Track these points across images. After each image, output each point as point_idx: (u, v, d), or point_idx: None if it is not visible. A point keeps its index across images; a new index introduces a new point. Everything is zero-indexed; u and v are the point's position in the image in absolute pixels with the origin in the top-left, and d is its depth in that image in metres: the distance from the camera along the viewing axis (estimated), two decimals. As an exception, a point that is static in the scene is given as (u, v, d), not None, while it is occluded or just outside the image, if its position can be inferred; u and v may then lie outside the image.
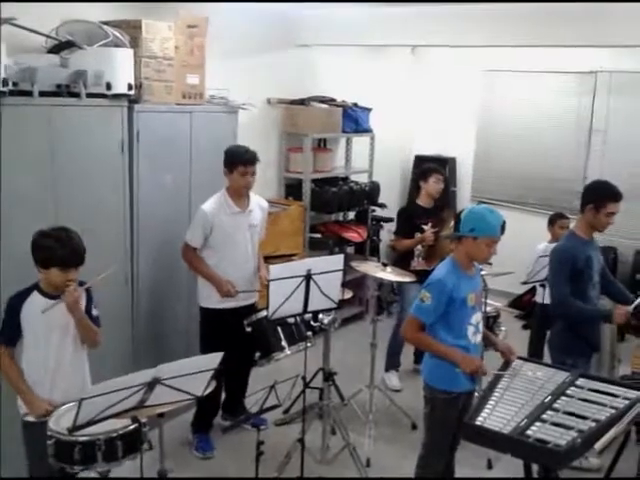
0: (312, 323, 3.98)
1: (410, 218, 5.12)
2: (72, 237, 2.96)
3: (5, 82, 3.30)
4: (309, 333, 3.91)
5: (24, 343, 3.01)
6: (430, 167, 5.33)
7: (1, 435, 3.48)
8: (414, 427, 4.62)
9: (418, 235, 5.01)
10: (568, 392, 2.94)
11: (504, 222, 3.11)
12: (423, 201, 5.18)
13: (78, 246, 2.96)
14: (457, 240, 3.18)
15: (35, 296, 2.99)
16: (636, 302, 3.71)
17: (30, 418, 2.99)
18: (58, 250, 2.90)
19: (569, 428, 2.65)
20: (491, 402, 2.90)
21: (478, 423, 2.76)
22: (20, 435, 3.09)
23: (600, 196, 3.74)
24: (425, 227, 5.02)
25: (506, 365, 3.23)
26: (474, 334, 3.20)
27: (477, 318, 3.23)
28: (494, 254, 3.14)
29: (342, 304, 3.99)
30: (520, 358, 3.31)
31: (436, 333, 3.16)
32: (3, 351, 3.00)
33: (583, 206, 3.81)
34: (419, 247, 5.06)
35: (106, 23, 3.94)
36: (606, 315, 3.74)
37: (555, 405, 2.84)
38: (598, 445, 2.49)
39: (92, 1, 4.09)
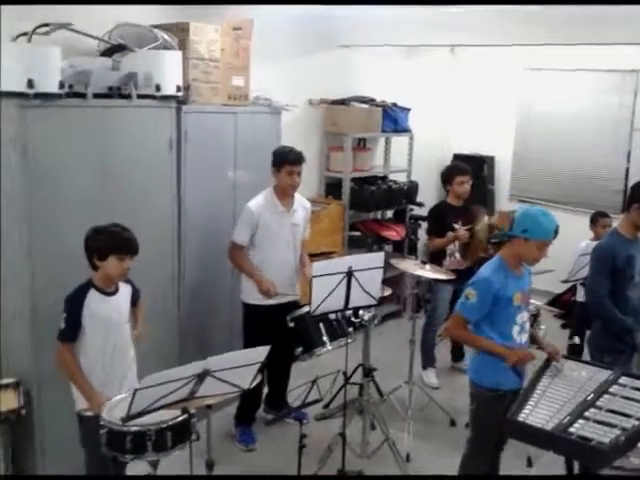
0: (353, 319, 4.05)
1: (440, 217, 5.15)
2: (125, 229, 3.14)
3: (62, 84, 3.42)
4: (350, 329, 3.99)
5: (82, 340, 3.12)
6: (454, 168, 5.31)
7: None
8: (453, 424, 4.66)
9: (450, 234, 5.02)
10: (611, 390, 2.94)
11: (557, 226, 3.10)
12: (452, 200, 5.20)
13: (132, 237, 3.13)
14: (507, 239, 3.18)
15: (93, 293, 3.11)
16: None
17: (88, 412, 3.09)
18: (115, 240, 3.07)
19: (612, 426, 2.66)
20: (533, 399, 2.92)
21: (520, 419, 2.79)
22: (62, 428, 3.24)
23: None
24: (456, 226, 5.04)
25: (548, 362, 3.24)
26: (519, 333, 3.21)
27: (523, 317, 3.23)
28: (545, 257, 3.14)
29: (381, 301, 4.03)
30: (562, 356, 3.32)
31: (481, 331, 3.18)
32: (67, 349, 3.10)
33: (629, 205, 3.78)
34: (451, 246, 5.09)
35: (156, 26, 4.06)
36: (632, 331, 3.68)
37: (598, 403, 2.84)
38: (642, 443, 2.49)
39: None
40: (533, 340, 3.42)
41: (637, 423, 2.68)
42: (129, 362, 3.28)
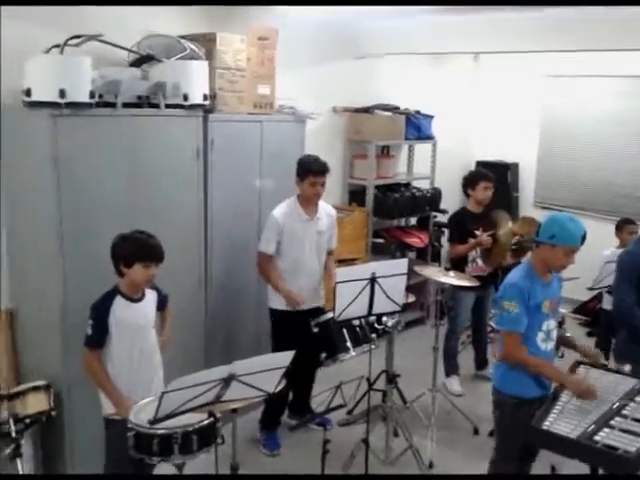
0: (376, 325, 4.06)
1: (461, 224, 5.15)
2: (151, 236, 3.18)
3: (92, 94, 3.50)
4: (373, 335, 4.00)
5: (109, 346, 3.16)
6: (478, 174, 5.32)
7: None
8: (476, 432, 4.65)
9: (471, 240, 5.03)
10: (637, 399, 2.91)
11: (585, 232, 3.07)
12: (472, 207, 5.21)
13: (157, 244, 3.17)
14: (531, 245, 3.19)
15: (119, 299, 3.17)
16: None
17: (116, 416, 3.13)
18: (140, 247, 3.11)
19: (638, 435, 2.64)
20: (558, 407, 2.90)
21: (545, 427, 2.78)
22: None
23: None
24: (477, 232, 5.04)
25: (573, 370, 3.23)
26: (543, 341, 3.17)
27: (549, 325, 3.19)
28: (571, 263, 3.11)
29: (404, 308, 4.04)
30: (586, 364, 3.29)
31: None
32: (94, 355, 3.15)
33: None
34: (472, 252, 5.10)
35: (183, 37, 4.12)
36: None
37: (624, 412, 2.82)
38: (669, 452, 2.46)
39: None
40: (567, 344, 3.41)
41: (663, 432, 2.65)
42: (156, 367, 3.33)
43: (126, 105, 3.72)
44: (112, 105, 3.65)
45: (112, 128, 3.66)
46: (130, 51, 3.98)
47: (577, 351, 3.38)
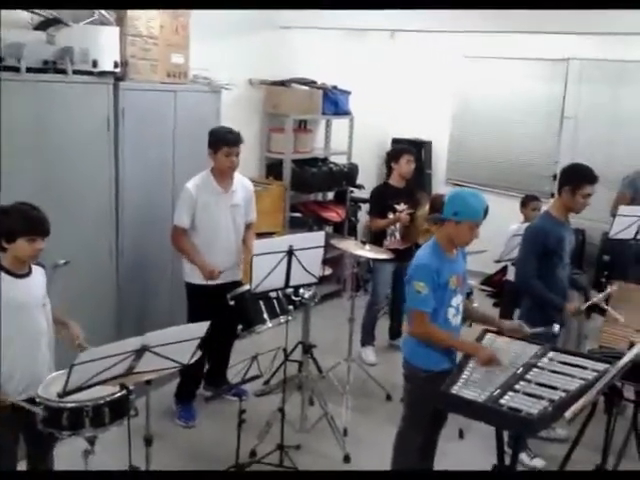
0: (293, 297, 4.09)
1: (382, 198, 5.25)
2: (34, 208, 2.91)
3: (-8, 57, 3.33)
4: (290, 307, 4.03)
5: None
6: (401, 148, 5.44)
7: None
8: (388, 398, 4.79)
9: (391, 215, 5.14)
10: (539, 364, 3.03)
11: (487, 207, 3.13)
12: (395, 181, 5.30)
13: (42, 216, 2.90)
14: (440, 222, 3.20)
15: (3, 276, 2.87)
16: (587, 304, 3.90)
17: None
18: (23, 220, 2.85)
19: (540, 398, 2.75)
20: (466, 373, 3.01)
21: (454, 392, 2.88)
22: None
23: (578, 178, 3.83)
24: (398, 207, 5.16)
25: (481, 337, 3.35)
26: (454, 316, 3.26)
27: (457, 300, 3.27)
28: (476, 238, 3.17)
29: (321, 281, 4.07)
30: (493, 332, 3.40)
31: None
32: None
33: (560, 187, 3.90)
34: (392, 227, 5.20)
35: (92, 1, 3.97)
36: (559, 307, 3.86)
37: (527, 376, 2.93)
38: (568, 414, 2.57)
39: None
40: (470, 316, 3.52)
41: (564, 394, 2.77)
42: (47, 345, 3.06)
43: (30, 70, 3.54)
44: (15, 69, 3.47)
45: (15, 93, 3.49)
46: (35, 13, 3.79)
47: (495, 326, 3.43)
